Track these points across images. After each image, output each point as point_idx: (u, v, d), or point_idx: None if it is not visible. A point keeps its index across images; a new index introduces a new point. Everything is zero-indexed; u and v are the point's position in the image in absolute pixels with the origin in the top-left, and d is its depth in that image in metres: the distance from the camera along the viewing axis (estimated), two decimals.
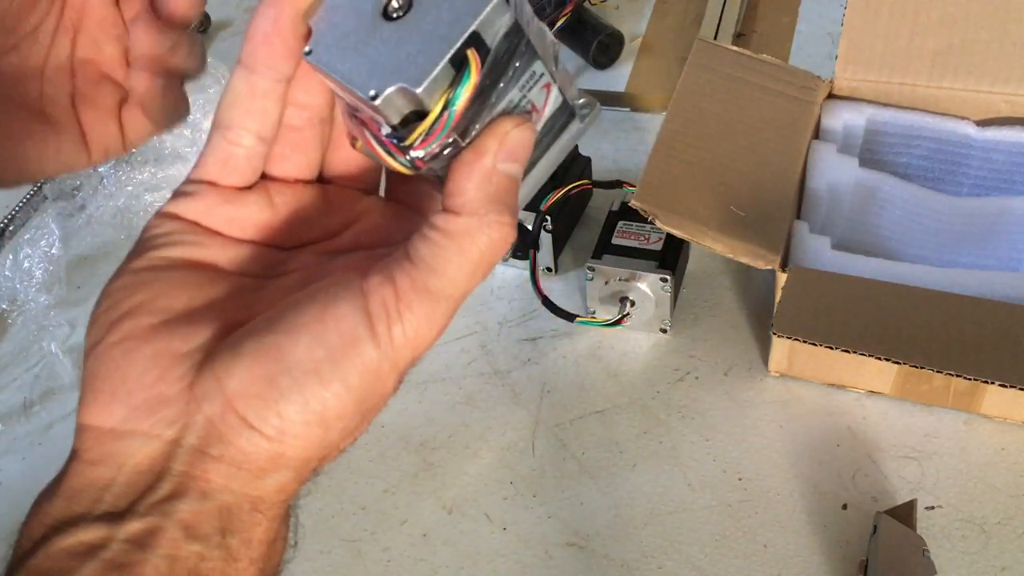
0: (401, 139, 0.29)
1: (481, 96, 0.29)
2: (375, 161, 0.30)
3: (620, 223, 0.69)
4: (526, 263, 0.71)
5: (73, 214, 0.86)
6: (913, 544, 0.53)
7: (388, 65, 0.28)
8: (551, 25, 0.90)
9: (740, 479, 0.60)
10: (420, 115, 0.28)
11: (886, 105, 0.70)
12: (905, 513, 0.55)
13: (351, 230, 0.34)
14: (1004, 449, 0.59)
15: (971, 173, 0.69)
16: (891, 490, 0.58)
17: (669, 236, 0.66)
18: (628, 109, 0.88)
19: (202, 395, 0.27)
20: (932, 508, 0.57)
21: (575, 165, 0.76)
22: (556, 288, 0.73)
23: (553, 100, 0.31)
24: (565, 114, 0.32)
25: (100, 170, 0.86)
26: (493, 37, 0.28)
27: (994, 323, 0.54)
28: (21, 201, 0.84)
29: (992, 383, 0.52)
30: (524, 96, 0.30)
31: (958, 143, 0.69)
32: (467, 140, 0.29)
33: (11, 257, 0.79)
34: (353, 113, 0.30)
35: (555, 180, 0.73)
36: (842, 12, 0.68)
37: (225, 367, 0.27)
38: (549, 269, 0.74)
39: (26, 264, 0.79)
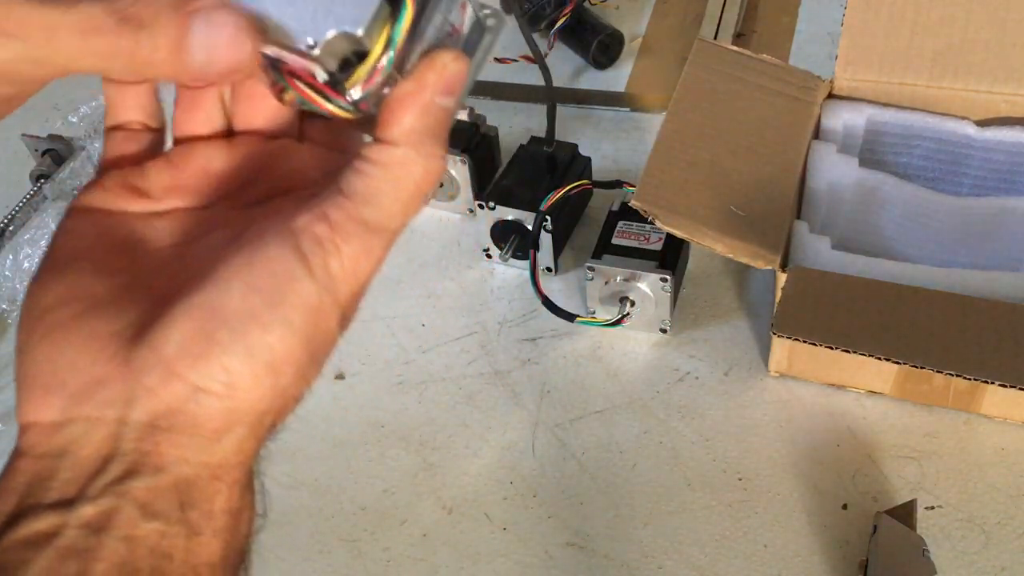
0: (339, 83, 0.28)
1: (413, 28, 0.28)
2: (310, 109, 0.29)
3: (620, 223, 0.69)
4: (526, 263, 0.71)
5: None
6: (913, 544, 0.53)
7: (318, 7, 0.28)
8: (551, 25, 0.90)
9: (740, 479, 0.60)
10: (360, 56, 0.28)
11: (886, 105, 0.70)
12: (905, 513, 0.55)
13: (266, 177, 0.33)
14: (1004, 449, 0.59)
15: (971, 173, 0.69)
16: (891, 490, 0.58)
17: (669, 236, 0.66)
18: (628, 109, 0.88)
19: (140, 368, 0.26)
20: (932, 508, 0.57)
21: (575, 165, 0.76)
22: (556, 288, 0.73)
23: (469, 18, 0.31)
24: (478, 30, 0.32)
25: None
26: None
27: (994, 323, 0.54)
28: (21, 201, 0.84)
29: (992, 383, 0.52)
30: (445, 19, 0.30)
31: (958, 143, 0.69)
32: (403, 73, 0.29)
33: (11, 257, 0.79)
34: (274, 64, 0.29)
35: (555, 180, 0.73)
36: (842, 12, 0.68)
37: (159, 335, 0.27)
38: (549, 269, 0.74)
39: (26, 264, 0.79)
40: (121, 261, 0.30)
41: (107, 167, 0.32)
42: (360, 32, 0.27)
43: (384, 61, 0.28)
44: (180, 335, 0.26)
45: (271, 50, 0.28)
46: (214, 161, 0.33)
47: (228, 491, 0.28)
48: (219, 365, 0.26)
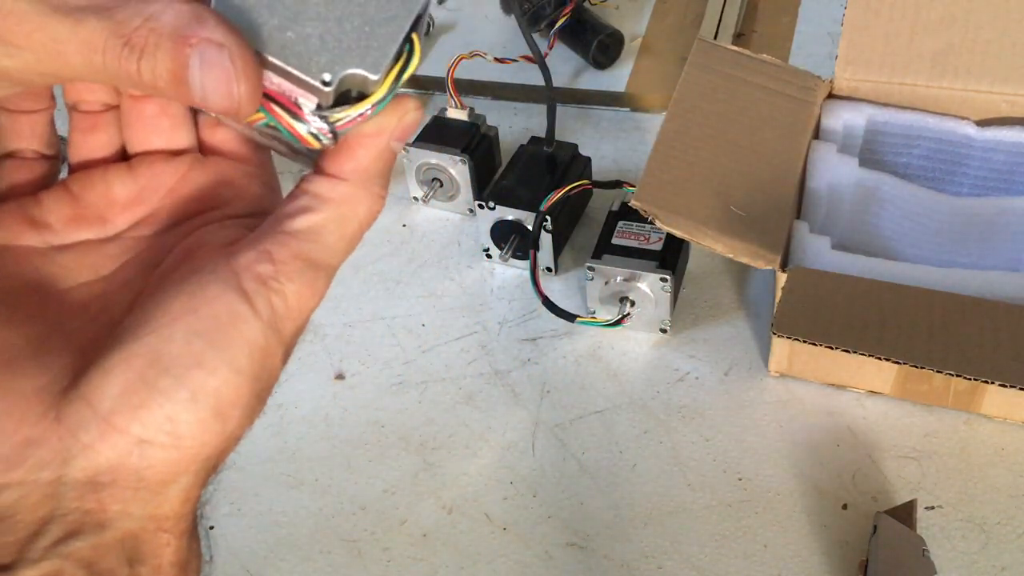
0: (325, 116, 0.28)
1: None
2: (277, 133, 0.29)
3: (620, 223, 0.69)
4: (526, 263, 0.71)
5: None
6: (913, 544, 0.53)
7: (324, 35, 0.27)
8: (551, 25, 0.90)
9: (740, 479, 0.60)
10: (360, 94, 0.28)
11: (886, 105, 0.70)
12: (905, 513, 0.55)
13: (172, 199, 0.31)
14: (1004, 449, 0.59)
15: (971, 173, 0.69)
16: (891, 490, 0.58)
17: (669, 236, 0.66)
18: (628, 109, 0.88)
19: (75, 424, 0.25)
20: (932, 508, 0.57)
21: (575, 165, 0.76)
22: (556, 288, 0.73)
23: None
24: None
25: None
26: (423, 8, 0.28)
27: (994, 323, 0.54)
28: None
29: (992, 383, 0.52)
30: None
31: (958, 143, 0.69)
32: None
33: None
34: None
35: (555, 180, 0.73)
36: (842, 12, 0.68)
37: (93, 387, 0.25)
38: (549, 269, 0.74)
39: None
40: (33, 305, 0.28)
41: (0, 202, 0.30)
42: (376, 77, 0.27)
43: (380, 103, 0.28)
44: (118, 386, 0.25)
45: (270, 81, 0.27)
46: (115, 186, 0.31)
47: (176, 543, 0.27)
48: (162, 415, 0.25)
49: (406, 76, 0.28)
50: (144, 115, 0.31)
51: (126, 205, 0.31)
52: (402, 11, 0.27)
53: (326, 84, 0.27)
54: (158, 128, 0.31)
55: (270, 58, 0.27)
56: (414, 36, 0.27)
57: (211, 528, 0.64)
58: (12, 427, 0.25)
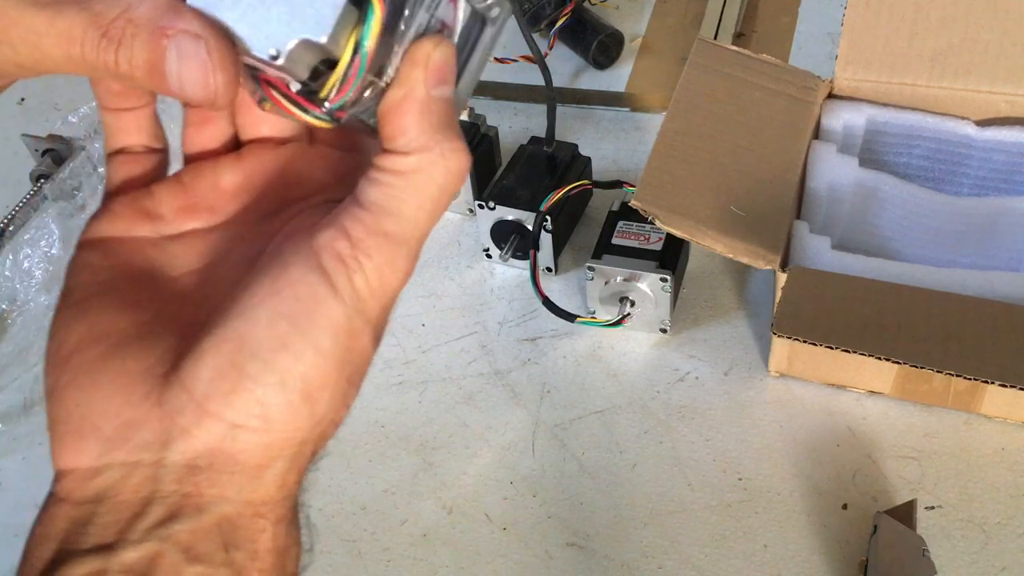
0: (314, 92, 0.27)
1: (389, 29, 0.27)
2: (290, 120, 0.28)
3: (620, 223, 0.69)
4: (526, 263, 0.71)
5: (73, 214, 0.85)
6: (913, 544, 0.53)
7: (280, 14, 0.26)
8: (551, 25, 0.90)
9: (740, 479, 0.60)
10: (330, 63, 0.27)
11: (886, 105, 0.70)
12: (905, 513, 0.55)
13: (278, 186, 0.32)
14: (1004, 449, 0.59)
15: (971, 173, 0.69)
16: (891, 490, 0.58)
17: (669, 236, 0.66)
18: (628, 109, 0.88)
19: (173, 408, 0.26)
20: (932, 508, 0.57)
21: (575, 165, 0.76)
22: (556, 288, 0.73)
23: (463, 11, 0.29)
24: (477, 22, 0.30)
25: (100, 170, 0.86)
26: None
27: (994, 323, 0.54)
28: (21, 201, 0.84)
29: (992, 383, 0.52)
30: (432, 16, 0.28)
31: (958, 143, 0.69)
32: (385, 78, 0.27)
33: (11, 257, 0.79)
34: (252, 73, 0.28)
35: (555, 180, 0.73)
36: (842, 12, 0.68)
37: (189, 372, 0.26)
38: (549, 269, 0.74)
39: (26, 264, 0.79)
40: (142, 292, 0.29)
41: (114, 193, 0.31)
42: (324, 40, 0.26)
43: (355, 68, 0.26)
44: (209, 371, 0.26)
45: (247, 60, 0.27)
46: (225, 176, 0.32)
47: (272, 529, 0.27)
48: (252, 399, 0.25)
49: (371, 32, 0.26)
50: (253, 103, 0.31)
51: (234, 194, 0.31)
52: None
53: (274, 58, 0.26)
54: (266, 116, 0.31)
55: (239, 45, 0.26)
56: None
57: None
58: (116, 408, 0.26)
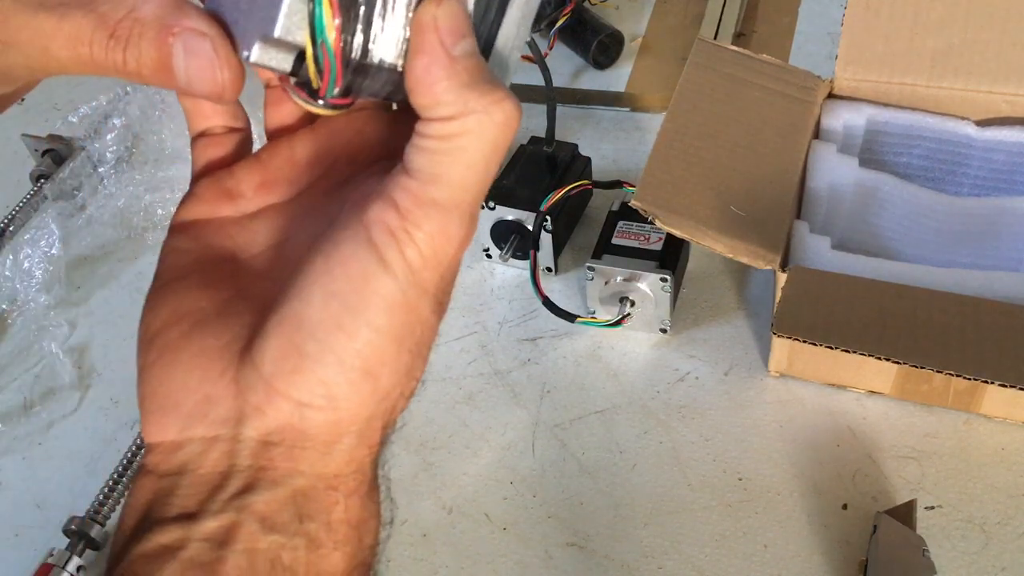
0: (306, 84, 0.27)
1: (349, 8, 0.26)
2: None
3: (620, 223, 0.69)
4: (526, 263, 0.71)
5: (73, 214, 0.86)
6: (913, 544, 0.53)
7: (255, 15, 0.26)
8: (551, 25, 0.90)
9: (740, 479, 0.60)
10: (301, 55, 0.27)
11: (886, 105, 0.70)
12: (905, 513, 0.55)
13: (350, 154, 0.32)
14: (1004, 449, 0.59)
15: (971, 173, 0.69)
16: (891, 490, 0.58)
17: (669, 236, 0.66)
18: (628, 109, 0.88)
19: (246, 387, 0.27)
20: (932, 508, 0.57)
21: (575, 165, 0.76)
22: (556, 288, 0.73)
23: None
24: None
25: (100, 170, 0.86)
26: None
27: (994, 323, 0.54)
28: (21, 201, 0.84)
29: (992, 383, 0.52)
30: None
31: (958, 143, 0.69)
32: (376, 56, 0.27)
33: (11, 257, 0.79)
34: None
35: (555, 180, 0.73)
36: (842, 12, 0.68)
37: (259, 351, 0.27)
38: (549, 269, 0.74)
39: (26, 264, 0.79)
40: (224, 271, 0.30)
41: (198, 176, 0.32)
42: (276, 34, 0.26)
43: (326, 57, 0.26)
44: (274, 351, 0.26)
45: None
46: (298, 149, 0.32)
47: (345, 501, 0.28)
48: (315, 379, 0.26)
49: (324, 13, 0.25)
50: None
51: (308, 165, 0.32)
52: None
53: (247, 58, 0.26)
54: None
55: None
56: None
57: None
58: (195, 384, 0.27)
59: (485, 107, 0.25)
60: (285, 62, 0.26)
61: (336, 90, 0.27)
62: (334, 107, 0.28)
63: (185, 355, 0.28)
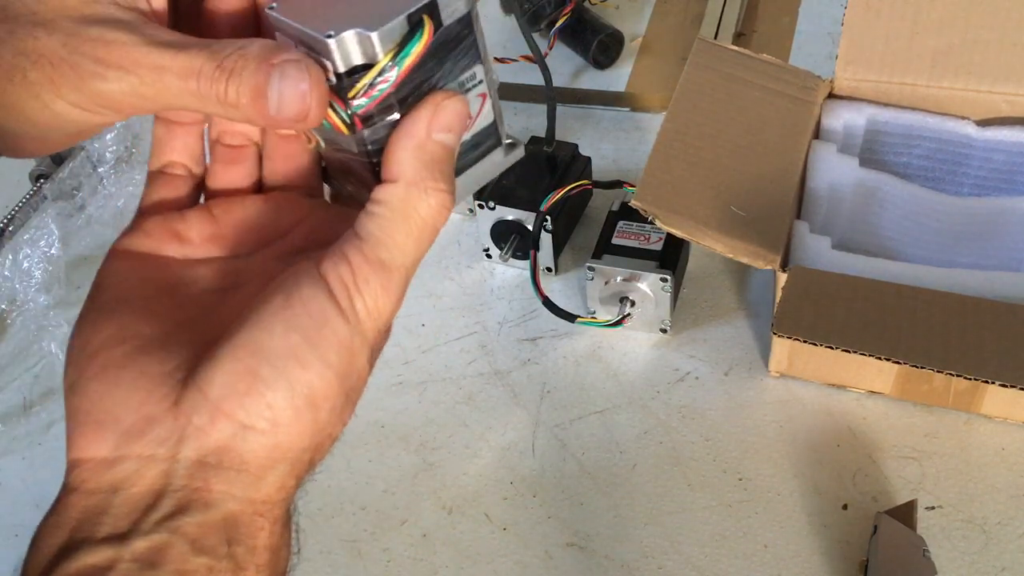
0: (345, 89, 0.30)
1: (425, 68, 0.30)
2: (328, 137, 0.31)
3: (620, 223, 0.69)
4: (526, 263, 0.71)
5: (73, 214, 0.86)
6: (913, 544, 0.53)
7: (348, 16, 0.29)
8: (551, 25, 0.90)
9: (740, 479, 0.60)
10: (368, 67, 0.30)
11: (886, 105, 0.70)
12: (905, 513, 0.55)
13: (300, 231, 0.34)
14: (1004, 449, 0.59)
15: (971, 173, 0.69)
16: (891, 490, 0.58)
17: (669, 236, 0.66)
18: (628, 109, 0.88)
19: (190, 408, 0.28)
20: (932, 508, 0.57)
21: (575, 165, 0.76)
22: (556, 288, 0.73)
23: (485, 114, 0.33)
24: (492, 137, 0.34)
25: (100, 170, 0.86)
26: (449, 16, 0.30)
27: (994, 323, 0.54)
28: (21, 201, 0.84)
29: (992, 383, 0.52)
30: (461, 90, 0.32)
31: (958, 143, 0.69)
32: (404, 112, 0.30)
33: (11, 257, 0.79)
34: None
35: (555, 180, 0.73)
36: (842, 12, 0.68)
37: (205, 376, 0.28)
38: (549, 269, 0.74)
39: (26, 264, 0.79)
40: (166, 304, 0.31)
41: (148, 211, 0.34)
42: (374, 34, 0.29)
43: (388, 75, 0.29)
44: (226, 375, 0.28)
45: (304, 50, 0.30)
46: (251, 214, 0.34)
47: (270, 527, 0.29)
48: (263, 402, 0.28)
49: (416, 47, 0.29)
50: (287, 153, 0.35)
51: (260, 234, 0.34)
52: None
53: (328, 37, 0.29)
54: (298, 167, 0.35)
55: (302, 30, 0.30)
56: (425, 16, 0.30)
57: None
58: (137, 403, 0.28)
59: (428, 188, 0.30)
60: (345, 62, 0.29)
61: (371, 103, 0.30)
62: (352, 126, 0.30)
63: (127, 375, 0.29)
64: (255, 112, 0.29)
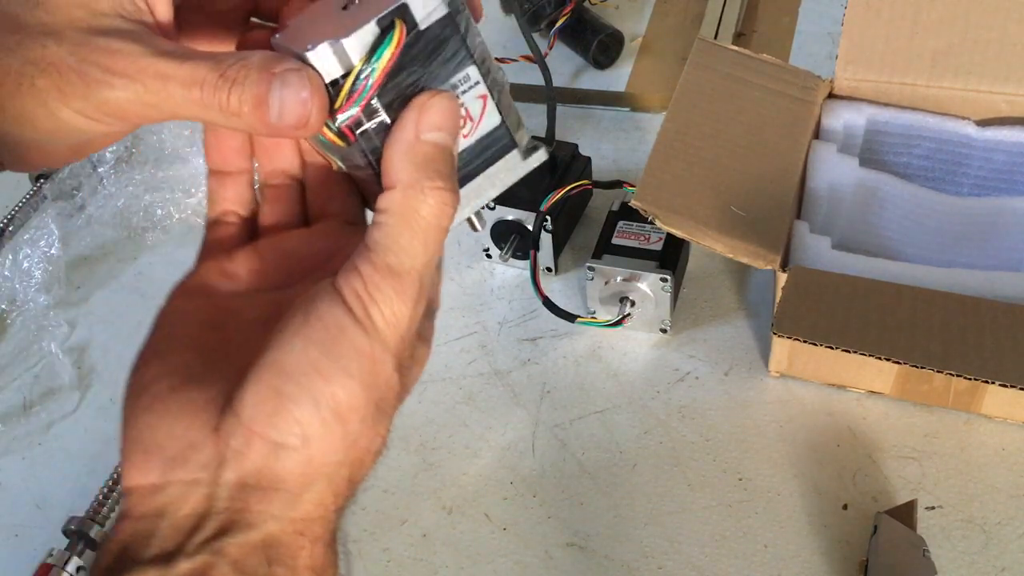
0: (332, 100, 0.30)
1: (408, 71, 0.31)
2: (319, 147, 0.33)
3: (620, 223, 0.69)
4: (526, 263, 0.71)
5: (73, 214, 0.86)
6: (913, 544, 0.53)
7: (327, 33, 0.30)
8: (551, 25, 0.90)
9: (740, 479, 0.60)
10: (347, 76, 0.30)
11: (886, 105, 0.70)
12: (905, 513, 0.55)
13: (340, 257, 0.35)
14: (1004, 449, 0.59)
15: (971, 173, 0.69)
16: (891, 490, 0.58)
17: (669, 236, 0.66)
18: (628, 109, 0.88)
19: (227, 432, 0.29)
20: (932, 508, 0.57)
21: (575, 165, 0.76)
22: (556, 288, 0.73)
23: (489, 116, 0.33)
24: (502, 140, 0.34)
25: (100, 170, 0.86)
26: (426, 18, 0.31)
27: (994, 323, 0.54)
28: (21, 201, 0.84)
29: (992, 383, 0.52)
30: (456, 97, 0.32)
31: (958, 143, 0.69)
32: (394, 117, 0.31)
33: (11, 257, 0.79)
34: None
35: (555, 180, 0.73)
36: (842, 12, 0.68)
37: (238, 400, 0.29)
38: (549, 269, 0.74)
39: (25, 264, 0.79)
40: (213, 337, 0.32)
41: (203, 257, 0.36)
42: (345, 40, 0.29)
43: (364, 81, 0.30)
44: (254, 396, 0.29)
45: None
46: (294, 246, 0.36)
47: (311, 547, 0.29)
48: (292, 419, 0.28)
49: (387, 50, 0.30)
50: (325, 184, 0.36)
51: (302, 264, 0.35)
52: (387, 4, 0.30)
53: (307, 51, 0.30)
54: (336, 197, 0.36)
55: (292, 51, 0.31)
56: (396, 20, 0.30)
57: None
58: (181, 431, 0.29)
59: (426, 188, 0.30)
60: (329, 69, 0.30)
61: (355, 111, 0.30)
62: (344, 137, 0.31)
63: (173, 405, 0.30)
64: (256, 120, 0.29)
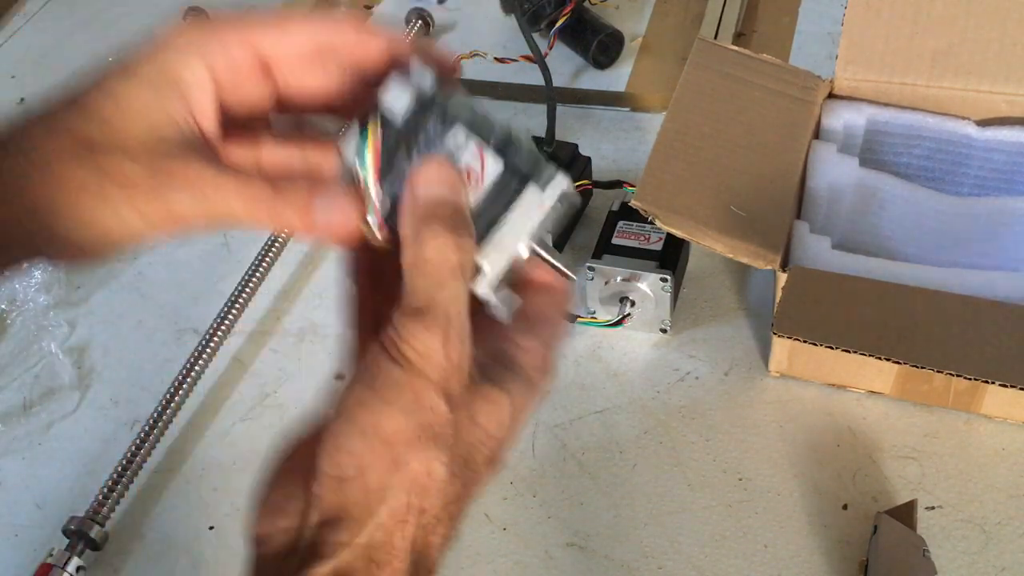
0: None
1: (396, 158, 0.34)
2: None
3: (620, 223, 0.69)
4: None
5: None
6: (913, 544, 0.53)
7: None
8: (551, 25, 0.90)
9: (740, 479, 0.60)
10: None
11: (886, 105, 0.70)
12: (905, 513, 0.55)
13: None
14: (1004, 449, 0.59)
15: (971, 173, 0.69)
16: (891, 490, 0.58)
17: (669, 236, 0.66)
18: (628, 109, 0.88)
19: (313, 481, 0.32)
20: (932, 508, 0.57)
21: (575, 165, 0.76)
22: None
23: (491, 163, 0.34)
24: (513, 179, 0.35)
25: None
26: (399, 111, 0.34)
27: (994, 323, 0.54)
28: None
29: (992, 383, 0.52)
30: (449, 157, 0.35)
31: (958, 143, 0.69)
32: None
33: None
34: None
35: None
36: (842, 12, 0.68)
37: (319, 450, 0.33)
38: None
39: (25, 264, 0.79)
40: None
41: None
42: (341, 146, 0.35)
43: (360, 179, 0.34)
44: (324, 443, 0.32)
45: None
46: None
47: (379, 572, 0.31)
48: (344, 451, 0.32)
49: (368, 147, 0.34)
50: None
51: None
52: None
53: (343, 156, 0.35)
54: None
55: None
56: (370, 124, 0.34)
57: (211, 528, 0.64)
58: (291, 487, 0.33)
59: (425, 238, 0.33)
60: (349, 180, 0.35)
61: (378, 204, 0.35)
62: (377, 234, 0.35)
63: (298, 477, 0.33)
64: (304, 227, 0.34)
